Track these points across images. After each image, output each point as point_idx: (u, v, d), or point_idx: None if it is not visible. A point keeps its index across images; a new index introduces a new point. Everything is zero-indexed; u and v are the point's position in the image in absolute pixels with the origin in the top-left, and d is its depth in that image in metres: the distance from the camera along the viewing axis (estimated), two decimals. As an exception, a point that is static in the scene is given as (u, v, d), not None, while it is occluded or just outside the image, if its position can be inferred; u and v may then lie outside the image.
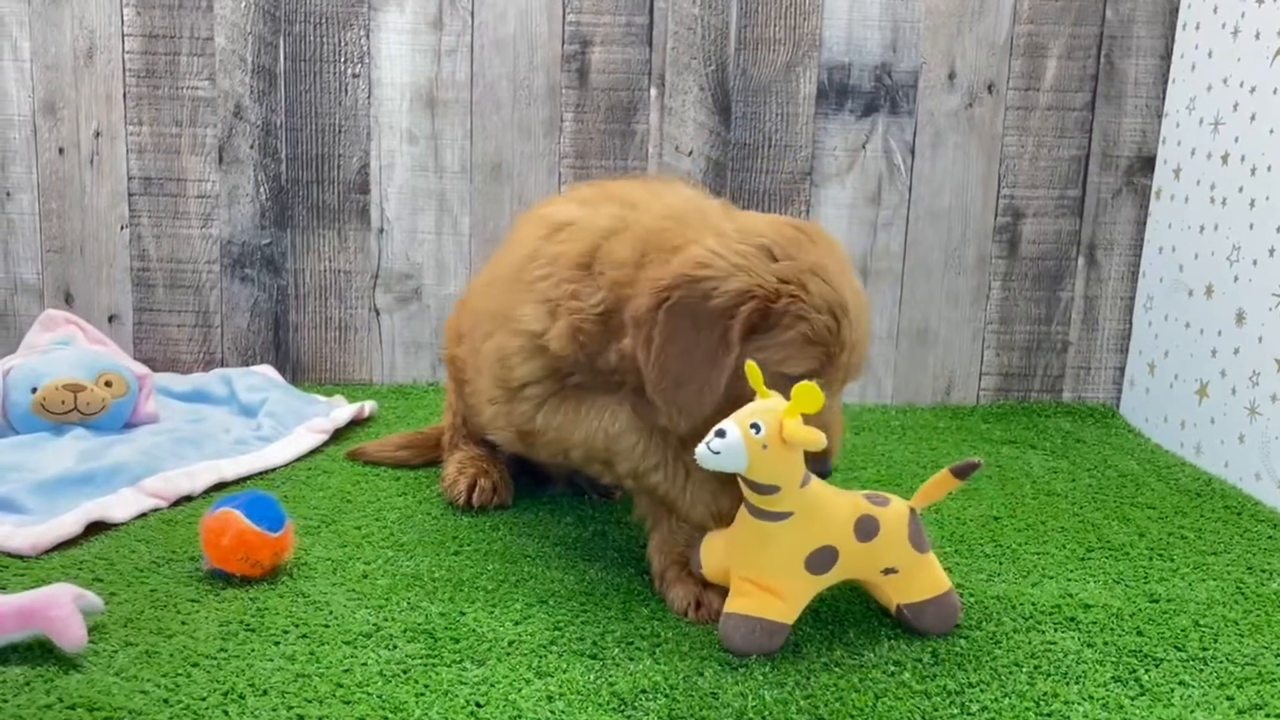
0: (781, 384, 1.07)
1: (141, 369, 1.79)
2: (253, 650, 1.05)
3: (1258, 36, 1.75)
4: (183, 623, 1.11)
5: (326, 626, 1.11)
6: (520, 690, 1.00)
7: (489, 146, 2.12)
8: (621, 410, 1.20)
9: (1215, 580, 1.33)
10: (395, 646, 1.07)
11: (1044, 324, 2.20)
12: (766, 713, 0.98)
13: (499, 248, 1.48)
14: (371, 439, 1.80)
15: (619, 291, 1.16)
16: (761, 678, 1.04)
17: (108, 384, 1.70)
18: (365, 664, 1.03)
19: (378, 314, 2.17)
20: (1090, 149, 2.14)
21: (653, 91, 2.10)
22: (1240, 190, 1.78)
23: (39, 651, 1.03)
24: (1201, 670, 1.09)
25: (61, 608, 1.01)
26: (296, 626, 1.11)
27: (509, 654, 1.07)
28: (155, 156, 2.10)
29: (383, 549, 1.34)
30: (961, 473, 1.11)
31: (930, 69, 2.10)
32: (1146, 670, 1.08)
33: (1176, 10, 2.05)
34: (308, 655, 1.05)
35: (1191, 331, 1.92)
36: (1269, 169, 1.70)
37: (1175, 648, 1.14)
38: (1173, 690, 1.04)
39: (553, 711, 0.97)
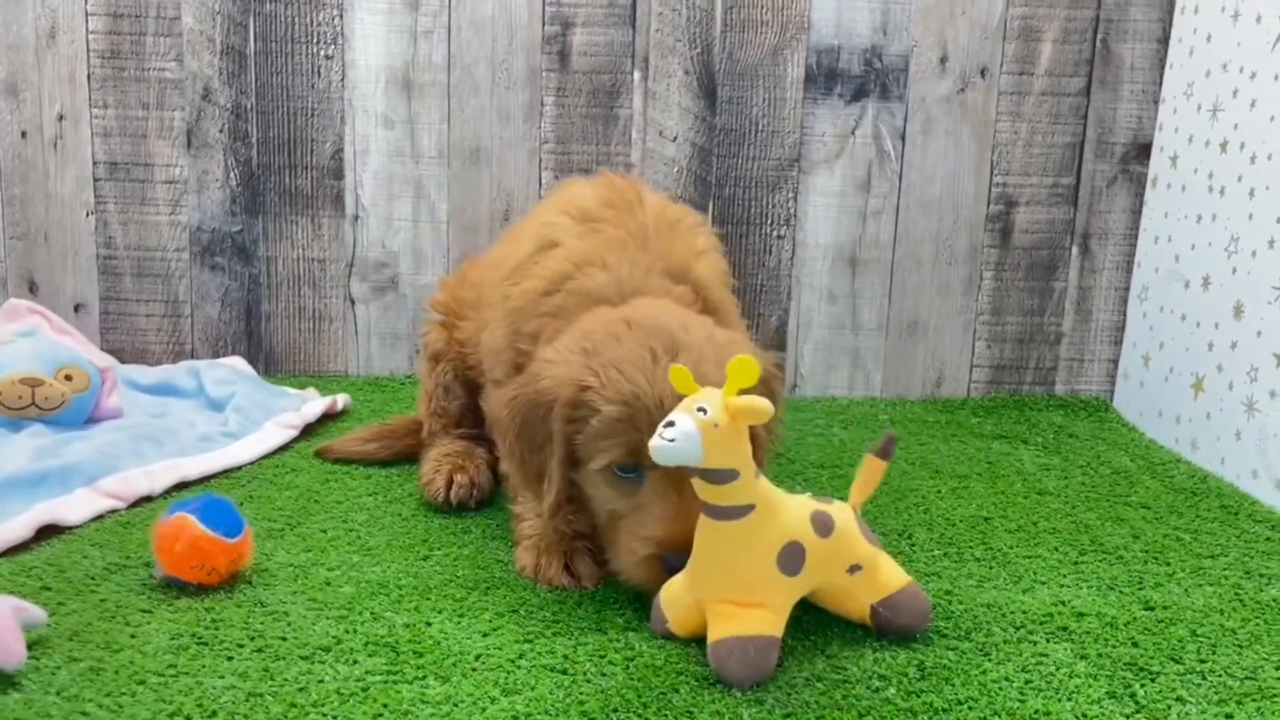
0: (602, 479, 1.13)
1: (105, 361, 1.73)
2: (203, 666, 1.00)
3: (1259, 21, 1.70)
4: (132, 635, 1.05)
5: (284, 639, 1.06)
6: (485, 710, 0.95)
7: (467, 131, 2.05)
8: None
9: (1212, 586, 1.28)
10: (355, 661, 1.02)
11: (1037, 315, 2.15)
12: (744, 733, 0.93)
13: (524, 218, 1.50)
14: (344, 434, 1.74)
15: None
16: (740, 695, 0.99)
17: (68, 378, 1.63)
18: (322, 681, 0.98)
19: (353, 304, 2.11)
20: (1085, 136, 2.08)
21: (636, 75, 2.03)
22: (1239, 179, 1.73)
23: (-25, 668, 0.97)
24: (1199, 685, 1.04)
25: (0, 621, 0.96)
26: (252, 640, 1.05)
27: (475, 669, 1.01)
28: (121, 140, 2.03)
29: (348, 554, 1.28)
30: (884, 453, 1.10)
31: (921, 52, 2.04)
32: (1142, 685, 1.03)
33: (1175, -7, 2.00)
34: (261, 672, 0.99)
35: (1188, 324, 1.87)
36: (1269, 157, 1.65)
37: (1172, 659, 1.09)
38: (1169, 707, 1.00)
39: (518, 733, 0.91)
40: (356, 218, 2.08)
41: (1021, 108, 2.07)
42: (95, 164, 2.03)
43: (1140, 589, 1.27)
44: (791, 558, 1.02)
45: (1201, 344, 1.82)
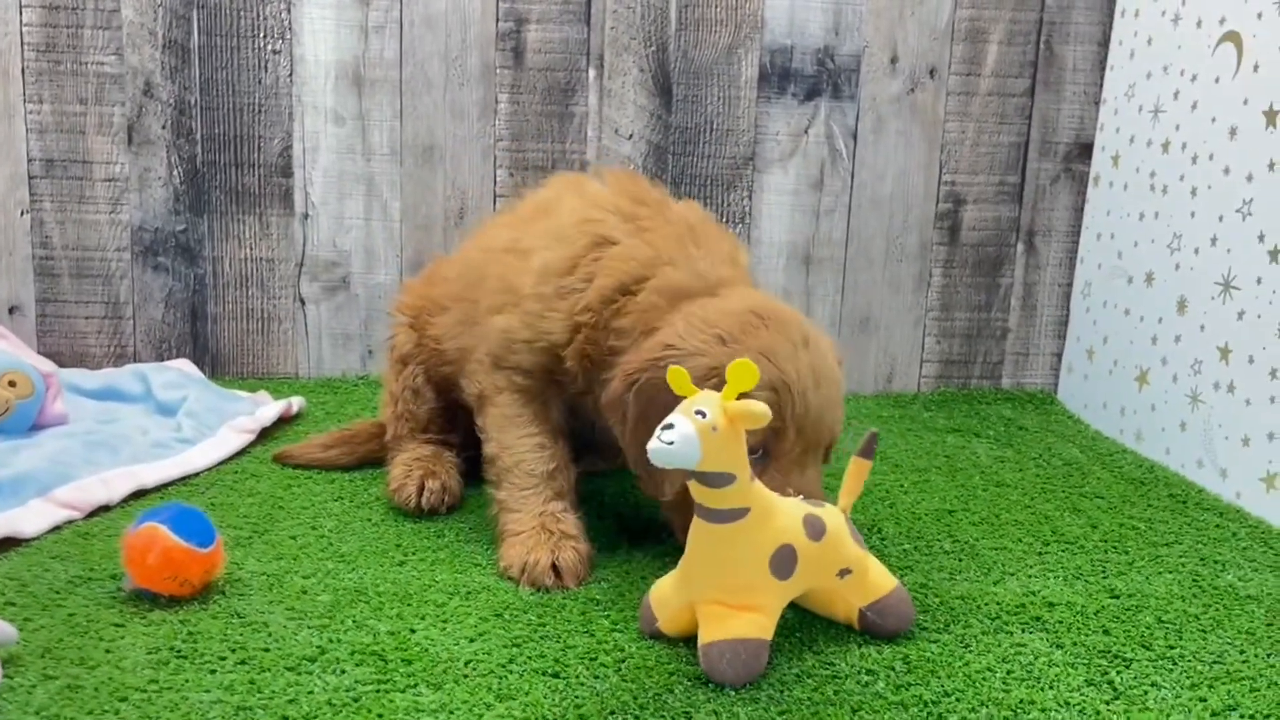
0: None
1: (48, 367, 1.67)
2: (186, 680, 0.97)
3: (1199, 25, 1.76)
4: (107, 651, 1.02)
5: (266, 650, 1.03)
6: (481, 716, 0.94)
7: (420, 128, 2.02)
8: (533, 439, 1.30)
9: (1171, 573, 1.33)
10: (343, 671, 1.00)
11: (984, 311, 2.20)
12: (742, 732, 0.93)
13: (524, 202, 1.45)
14: (301, 437, 1.70)
15: (621, 339, 1.23)
16: (734, 694, 0.99)
17: (11, 384, 1.57)
18: (311, 692, 0.96)
19: (303, 304, 2.07)
20: (1029, 135, 2.13)
21: (591, 72, 2.03)
22: (1181, 178, 1.78)
23: (-56, 690, 0.93)
24: (1171, 670, 1.08)
25: (-30, 642, 0.92)
26: (234, 652, 1.03)
27: (466, 676, 1.00)
28: (58, 137, 1.96)
29: (321, 561, 1.26)
30: (867, 452, 1.12)
31: (872, 53, 2.07)
32: (1118, 671, 1.07)
33: (1114, -3, 2.06)
34: (247, 684, 0.97)
35: (1131, 319, 1.93)
36: (1211, 157, 1.71)
37: (1142, 646, 1.13)
38: (1146, 693, 1.03)
39: (518, 740, 0.91)
40: (306, 216, 2.04)
41: (969, 108, 2.11)
42: (30, 161, 1.96)
43: (1104, 578, 1.31)
44: (784, 561, 1.03)
45: (1145, 338, 1.88)
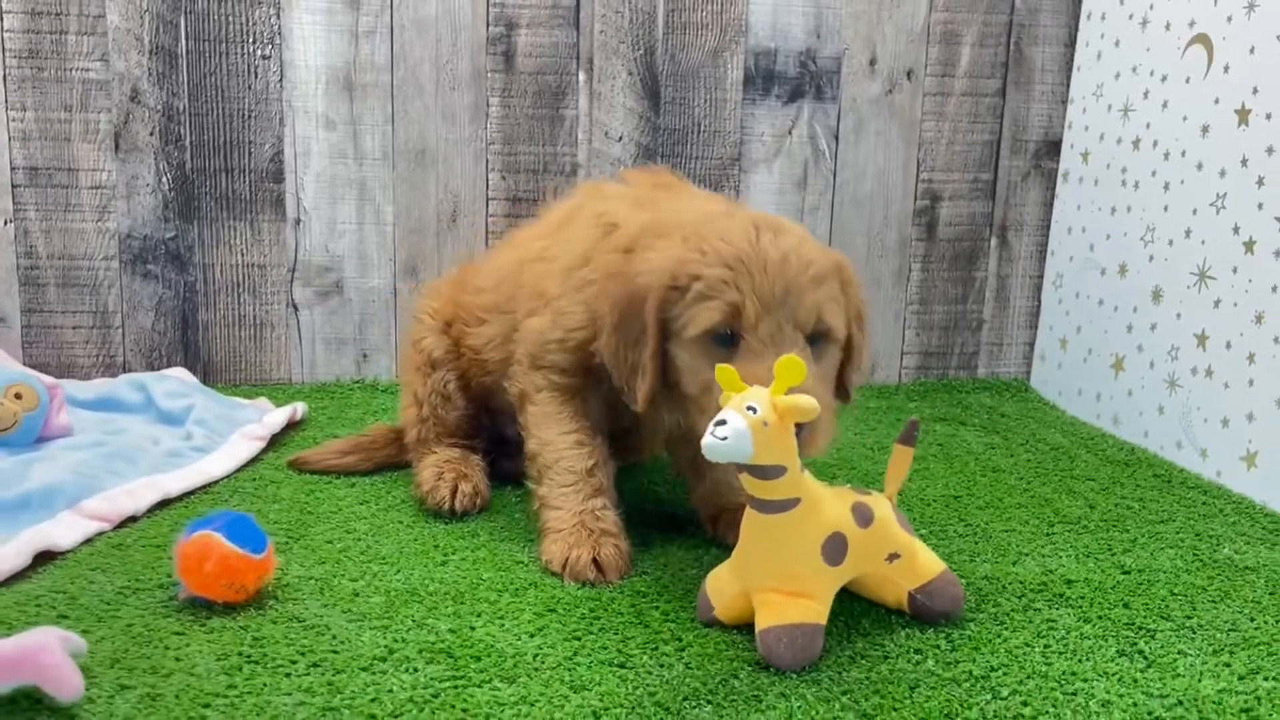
0: (698, 349, 1.15)
1: (50, 379, 1.65)
2: (264, 685, 0.98)
3: (1168, 28, 1.85)
4: (176, 659, 1.03)
5: (335, 653, 1.05)
6: (562, 707, 0.97)
7: (412, 132, 2.03)
8: (571, 437, 1.32)
9: (1173, 549, 1.40)
10: (415, 669, 1.02)
11: (960, 303, 2.27)
12: (813, 712, 0.97)
13: (552, 212, 1.47)
14: (309, 443, 1.71)
15: None
16: (796, 676, 1.04)
17: (17, 396, 1.55)
18: (391, 690, 0.98)
19: (296, 309, 2.07)
20: (1001, 134, 2.21)
21: (581, 76, 2.06)
22: (1153, 174, 1.87)
23: (25, 704, 0.93)
24: (1193, 639, 1.15)
25: (53, 654, 0.92)
26: (303, 655, 1.04)
27: (537, 669, 1.03)
28: (42, 144, 1.93)
29: (364, 563, 1.27)
30: (908, 439, 1.15)
31: (853, 55, 2.13)
32: (1145, 642, 1.13)
33: (1080, 0, 2.14)
34: (326, 686, 0.99)
35: (1105, 308, 2.02)
36: (1183, 154, 1.80)
37: (1162, 618, 1.20)
38: (1175, 660, 1.10)
39: (603, 728, 0.94)
40: (298, 221, 2.03)
41: (944, 108, 2.18)
42: (14, 169, 1.93)
43: (1112, 555, 1.38)
44: (835, 548, 1.07)
45: (1120, 326, 1.97)
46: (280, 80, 1.98)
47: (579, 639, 1.10)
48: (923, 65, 2.16)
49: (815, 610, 1.07)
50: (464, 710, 0.95)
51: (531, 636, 1.10)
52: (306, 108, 1.99)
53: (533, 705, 0.97)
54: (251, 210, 2.01)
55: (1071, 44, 2.17)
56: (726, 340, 1.14)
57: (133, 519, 1.38)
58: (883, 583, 1.15)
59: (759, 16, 2.09)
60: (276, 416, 1.75)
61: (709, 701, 0.99)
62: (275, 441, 1.73)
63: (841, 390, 1.27)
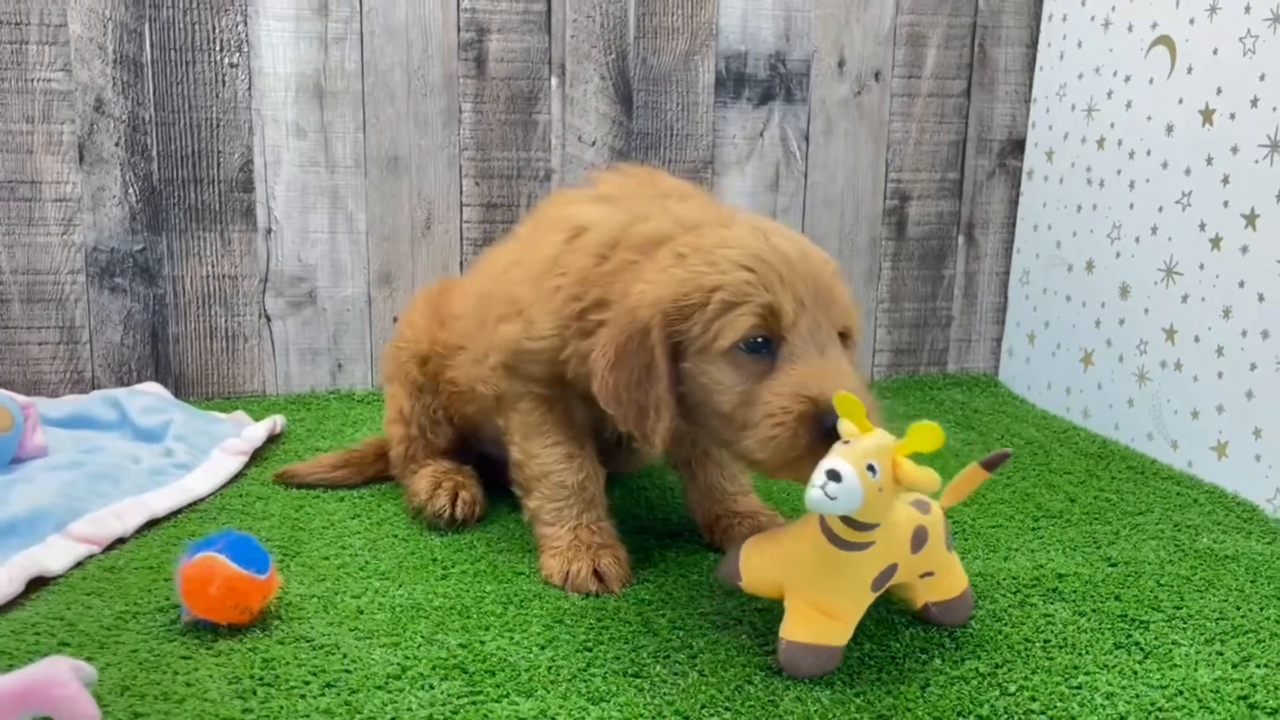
0: (730, 362, 1.06)
1: (24, 398, 1.61)
2: (281, 707, 0.98)
3: (1130, 29, 1.89)
4: (187, 684, 1.01)
5: (348, 672, 1.04)
6: (584, 719, 0.97)
7: (384, 139, 2.02)
8: (559, 450, 1.28)
9: (1154, 540, 1.44)
10: (431, 686, 1.02)
11: (929, 301, 2.31)
12: (829, 715, 0.99)
13: (523, 225, 1.41)
14: (291, 456, 1.70)
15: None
16: (809, 680, 1.05)
17: (-9, 417, 1.52)
18: (410, 708, 0.98)
19: (269, 320, 2.04)
20: (967, 133, 2.25)
21: (553, 81, 2.05)
22: (1119, 172, 1.92)
23: (38, 737, 0.91)
24: (1184, 628, 1.18)
25: (66, 685, 0.90)
26: (315, 676, 1.03)
27: (553, 682, 1.03)
28: (4, 157, 1.88)
29: (365, 579, 1.26)
30: (991, 465, 1.10)
31: (821, 57, 2.15)
32: (1140, 633, 1.16)
33: (1041, 2, 2.18)
34: (343, 706, 0.98)
35: (1073, 304, 2.06)
36: (1148, 153, 1.84)
37: (1153, 609, 1.23)
38: (1170, 651, 1.13)
39: (626, 739, 0.94)
40: (269, 231, 2.01)
41: (911, 108, 2.21)
42: (-26, 183, 1.88)
43: (1097, 548, 1.41)
44: (884, 577, 1.06)
45: (1088, 322, 2.01)
46: (249, 88, 1.95)
47: (590, 650, 1.10)
48: (890, 67, 2.19)
49: (843, 633, 1.06)
50: (486, 726, 0.95)
51: (542, 649, 1.10)
52: (276, 116, 1.97)
53: (554, 719, 0.97)
54: (221, 221, 1.98)
55: (1034, 45, 2.22)
56: (760, 347, 1.06)
57: (121, 540, 1.36)
58: (905, 590, 1.16)
59: (729, 20, 2.10)
60: (257, 430, 1.72)
61: (727, 708, 1.00)
62: (257, 456, 1.71)
63: None
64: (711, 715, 0.98)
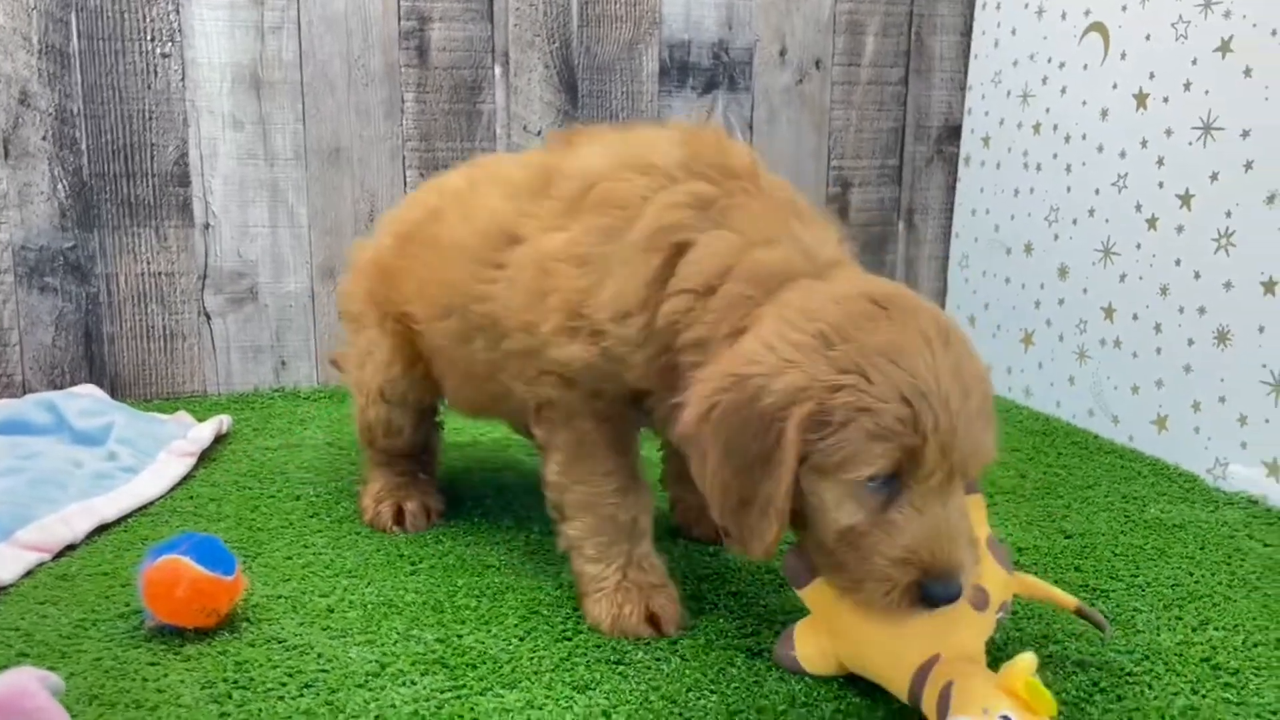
0: (847, 491, 0.91)
1: (-45, 402, 1.55)
2: (259, 709, 0.95)
3: (1064, 17, 1.94)
4: (158, 690, 0.98)
5: (325, 671, 1.02)
6: (570, 709, 0.96)
7: (324, 130, 1.97)
8: (612, 481, 1.13)
9: (1105, 512, 1.49)
10: (413, 682, 1.00)
11: (872, 286, 2.34)
12: (813, 693, 1.00)
13: (561, 181, 1.14)
14: (238, 456, 1.66)
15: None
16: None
17: (-77, 424, 1.45)
18: (394, 704, 0.96)
19: (208, 318, 1.98)
20: (905, 121, 2.28)
21: (497, 70, 2.03)
22: (1055, 157, 1.97)
23: (5, 751, 0.88)
24: (1143, 595, 1.22)
25: (35, 697, 0.87)
26: (291, 677, 1.01)
27: (536, 673, 1.03)
28: (-78, 152, 1.80)
29: (332, 578, 1.24)
30: (1082, 614, 1.07)
31: (763, 46, 2.17)
32: (1102, 602, 1.20)
33: (975, -10, 2.23)
34: (324, 705, 0.96)
35: (1012, 286, 2.11)
36: (1084, 137, 1.89)
37: (1111, 578, 1.27)
38: (1133, 617, 1.16)
39: (616, 726, 0.94)
40: (207, 226, 1.95)
41: (851, 96, 2.24)
42: (-110, 180, 1.79)
43: (1052, 521, 1.45)
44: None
45: (1028, 302, 2.06)
46: (182, 79, 1.89)
47: (569, 639, 1.10)
48: (830, 55, 2.21)
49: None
50: (474, 719, 0.94)
51: (521, 640, 1.09)
52: (211, 107, 1.91)
53: (541, 709, 0.96)
54: (156, 216, 1.92)
55: (968, 33, 2.26)
56: (885, 486, 0.91)
57: (71, 547, 1.31)
58: None
59: (672, 8, 2.10)
60: (204, 431, 1.68)
61: (712, 691, 1.00)
62: (204, 457, 1.66)
63: None
64: (698, 699, 0.99)
